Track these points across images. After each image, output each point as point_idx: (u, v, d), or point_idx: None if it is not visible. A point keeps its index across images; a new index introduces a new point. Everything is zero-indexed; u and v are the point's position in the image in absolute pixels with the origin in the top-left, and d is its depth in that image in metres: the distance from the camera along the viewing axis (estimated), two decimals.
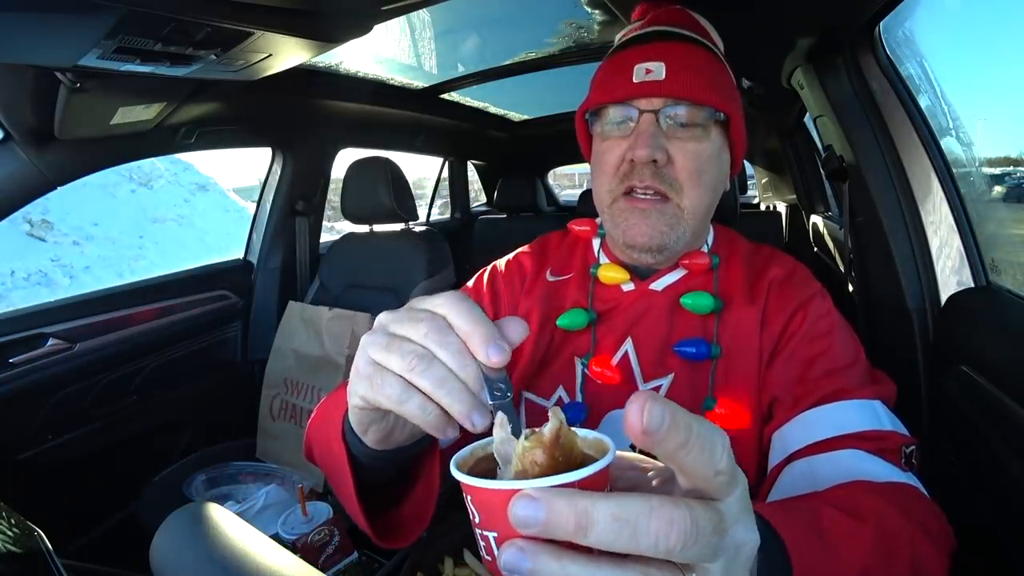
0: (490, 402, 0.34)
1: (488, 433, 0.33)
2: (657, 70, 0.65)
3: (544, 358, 0.73)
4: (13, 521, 0.37)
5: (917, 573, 0.46)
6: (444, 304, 0.36)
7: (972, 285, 0.98)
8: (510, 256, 0.84)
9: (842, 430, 0.58)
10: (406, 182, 1.70)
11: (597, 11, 1.27)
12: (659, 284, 0.73)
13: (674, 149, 0.65)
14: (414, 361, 0.34)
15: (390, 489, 0.52)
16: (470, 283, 0.83)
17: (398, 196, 1.65)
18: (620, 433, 0.71)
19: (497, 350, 0.34)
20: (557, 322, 0.72)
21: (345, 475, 0.47)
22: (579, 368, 0.72)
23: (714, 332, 0.69)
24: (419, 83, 1.85)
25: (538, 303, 0.75)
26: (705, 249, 0.76)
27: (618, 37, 0.76)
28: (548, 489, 0.25)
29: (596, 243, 0.80)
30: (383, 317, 0.38)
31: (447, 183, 3.07)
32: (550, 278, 0.78)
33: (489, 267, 0.84)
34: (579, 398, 0.71)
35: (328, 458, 0.51)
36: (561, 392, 0.73)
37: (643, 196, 0.67)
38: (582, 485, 0.25)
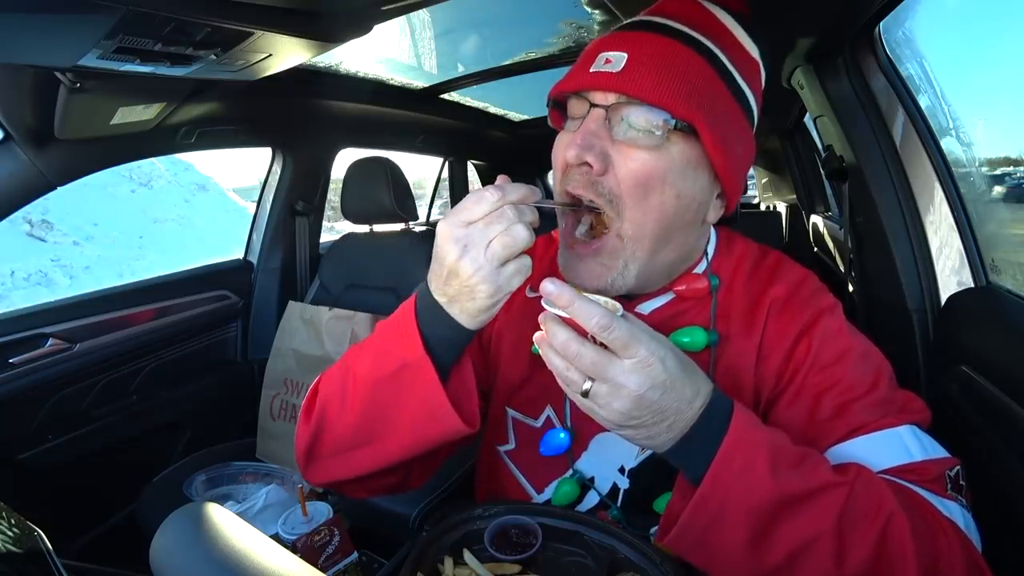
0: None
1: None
2: (616, 61, 0.56)
3: (521, 381, 0.71)
4: (13, 521, 0.37)
5: (882, 555, 0.46)
6: (494, 193, 0.50)
7: (972, 285, 0.98)
8: None
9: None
10: (406, 182, 1.70)
11: (597, 11, 1.27)
12: (646, 307, 0.67)
13: (619, 156, 0.56)
14: (512, 212, 0.50)
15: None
16: None
17: (398, 196, 1.65)
18: (608, 453, 0.71)
19: (534, 189, 0.52)
20: (533, 349, 0.68)
21: (425, 367, 0.55)
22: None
23: (709, 367, 0.63)
24: (419, 83, 1.85)
25: (515, 322, 0.72)
26: (704, 266, 0.68)
27: None
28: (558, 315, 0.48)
29: None
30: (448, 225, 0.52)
31: (447, 183, 3.07)
32: (529, 294, 0.74)
33: None
34: (567, 419, 0.69)
35: (392, 373, 0.57)
36: (549, 411, 0.70)
37: (579, 239, 0.61)
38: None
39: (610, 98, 0.57)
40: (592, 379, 0.46)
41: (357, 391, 0.59)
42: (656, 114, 0.56)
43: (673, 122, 0.56)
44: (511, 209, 0.50)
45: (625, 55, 0.56)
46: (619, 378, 0.45)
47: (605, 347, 0.46)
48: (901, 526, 0.47)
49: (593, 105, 0.58)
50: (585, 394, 0.47)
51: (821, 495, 0.47)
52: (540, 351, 0.49)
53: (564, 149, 0.58)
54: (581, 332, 0.47)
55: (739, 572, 0.49)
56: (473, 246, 0.50)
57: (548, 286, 0.46)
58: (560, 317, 0.48)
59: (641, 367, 0.45)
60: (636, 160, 0.56)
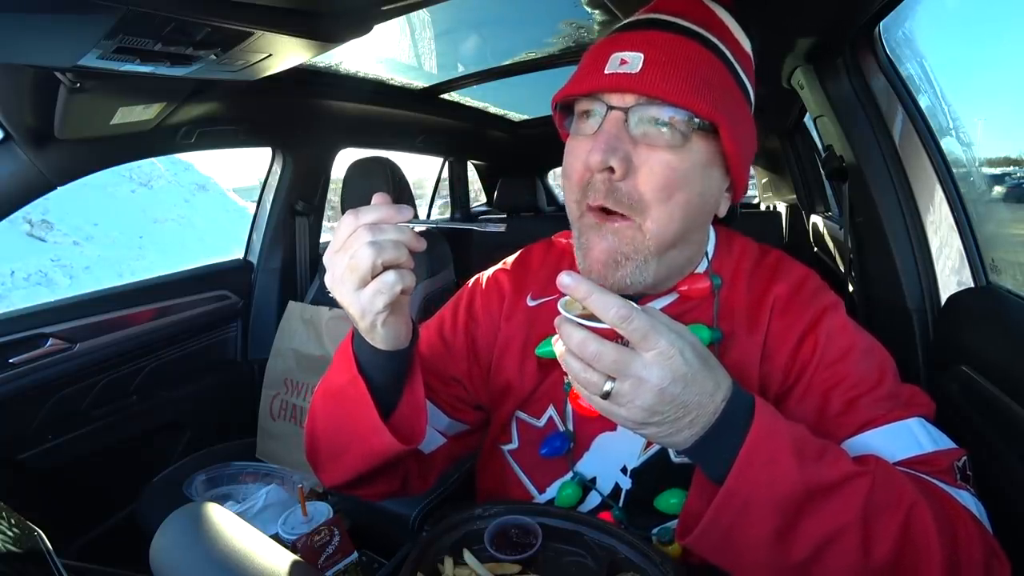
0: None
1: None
2: (633, 61, 0.55)
3: (533, 384, 0.71)
4: (13, 521, 0.37)
5: (908, 546, 0.46)
6: (348, 218, 0.52)
7: (972, 285, 0.98)
8: (489, 273, 0.81)
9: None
10: (406, 182, 1.70)
11: (597, 11, 1.27)
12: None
13: (640, 158, 0.55)
14: (364, 234, 0.51)
15: (387, 398, 0.61)
16: (451, 301, 0.81)
17: (398, 196, 1.64)
18: (610, 453, 0.73)
19: (401, 208, 0.52)
20: (536, 351, 0.70)
21: (359, 386, 0.58)
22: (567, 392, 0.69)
23: None
24: (419, 83, 1.85)
25: (519, 331, 0.73)
26: (704, 266, 0.68)
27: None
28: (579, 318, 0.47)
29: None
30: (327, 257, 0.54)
31: (447, 183, 3.07)
32: (531, 302, 0.75)
33: (471, 283, 0.81)
34: (568, 420, 0.69)
35: (338, 390, 0.61)
36: (552, 412, 0.71)
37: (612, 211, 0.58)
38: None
39: (628, 99, 0.56)
40: (613, 379, 0.45)
41: (325, 404, 0.65)
42: (678, 113, 0.55)
43: (696, 121, 0.55)
44: (365, 231, 0.51)
45: (641, 55, 0.55)
46: (641, 372, 0.44)
47: (622, 345, 0.45)
48: (923, 514, 0.47)
49: (611, 107, 0.56)
50: (606, 395, 0.45)
51: (845, 486, 0.47)
52: (557, 356, 0.48)
53: (586, 155, 0.56)
54: (608, 336, 0.46)
55: (765, 568, 0.48)
56: (335, 273, 0.53)
57: (564, 279, 0.45)
58: (575, 322, 0.46)
59: (662, 359, 0.44)
60: (660, 161, 0.55)
